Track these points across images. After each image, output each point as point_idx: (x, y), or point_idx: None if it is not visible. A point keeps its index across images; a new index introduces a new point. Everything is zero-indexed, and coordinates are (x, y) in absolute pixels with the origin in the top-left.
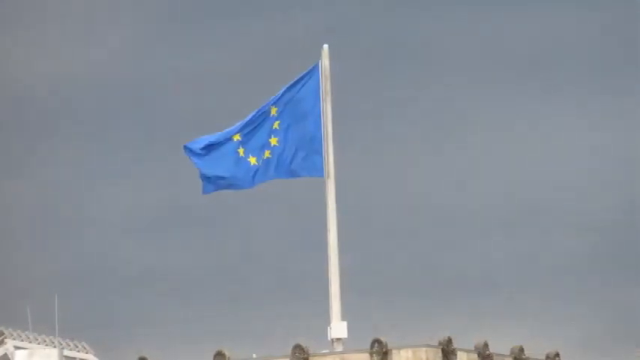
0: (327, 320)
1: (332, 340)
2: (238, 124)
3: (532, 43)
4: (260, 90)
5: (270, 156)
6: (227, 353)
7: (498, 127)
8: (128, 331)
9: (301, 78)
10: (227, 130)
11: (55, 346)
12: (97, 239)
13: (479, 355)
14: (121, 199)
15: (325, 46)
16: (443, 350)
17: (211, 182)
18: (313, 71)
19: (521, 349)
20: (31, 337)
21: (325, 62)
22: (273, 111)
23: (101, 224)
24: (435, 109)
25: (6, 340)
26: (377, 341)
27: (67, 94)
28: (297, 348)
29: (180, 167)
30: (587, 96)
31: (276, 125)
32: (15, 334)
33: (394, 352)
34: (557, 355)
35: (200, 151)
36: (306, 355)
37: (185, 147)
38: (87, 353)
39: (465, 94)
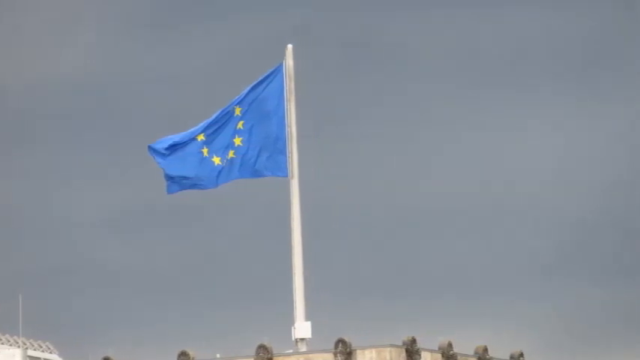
0: (291, 320)
1: (296, 340)
2: (202, 123)
3: (503, 43)
4: (226, 90)
5: (234, 156)
6: (191, 353)
7: (467, 128)
8: (93, 331)
9: (265, 78)
10: (191, 129)
11: (19, 346)
12: (62, 239)
13: (443, 355)
14: (89, 200)
15: (289, 46)
16: (407, 350)
17: (175, 182)
18: (277, 71)
19: (485, 349)
20: None
21: (289, 62)
22: (237, 111)
23: (67, 225)
24: (402, 109)
25: None
26: (341, 341)
27: (41, 95)
28: (261, 348)
29: (152, 167)
30: (558, 97)
31: (240, 125)
32: None
33: (358, 352)
34: (522, 355)
35: (164, 151)
36: (270, 355)
37: (149, 147)
38: (51, 353)
39: (433, 94)
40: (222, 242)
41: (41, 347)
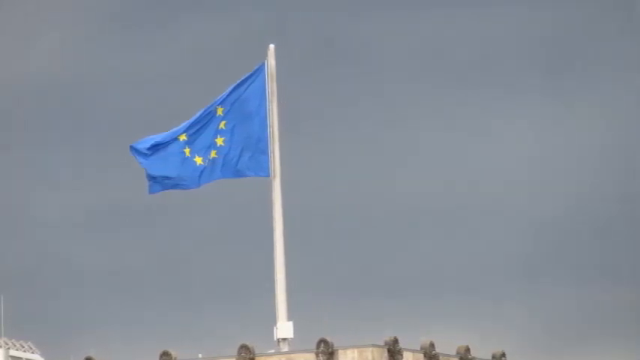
0: (273, 320)
1: (278, 340)
2: (184, 123)
3: (472, 43)
4: (206, 90)
5: (216, 156)
6: (173, 353)
7: (444, 128)
8: (74, 331)
9: (247, 78)
10: (173, 129)
11: (0, 346)
12: (41, 239)
13: (425, 355)
14: (64, 200)
15: (271, 46)
16: (389, 350)
17: (157, 182)
18: (259, 71)
19: (467, 349)
20: None
21: (271, 62)
22: (220, 111)
23: (45, 224)
24: (379, 109)
25: None
26: (323, 341)
27: (12, 95)
28: (243, 348)
29: (124, 167)
30: (534, 97)
31: (222, 125)
32: None
33: (340, 352)
34: (504, 355)
35: (146, 151)
36: (252, 355)
37: (131, 147)
38: (33, 353)
39: (409, 94)
40: (204, 242)
41: (23, 347)
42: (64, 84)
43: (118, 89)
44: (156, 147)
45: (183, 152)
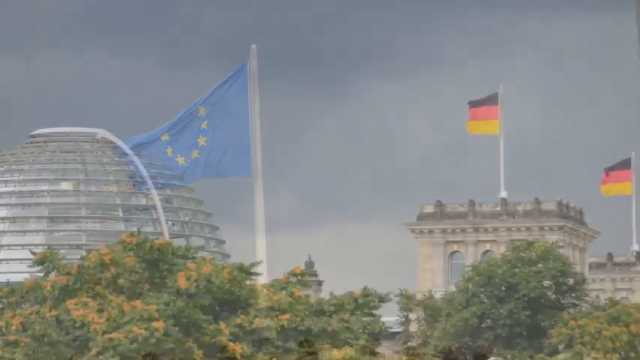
0: None
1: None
2: (167, 123)
3: (452, 46)
4: (190, 89)
5: (198, 156)
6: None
7: (424, 131)
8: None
9: (229, 78)
10: (156, 129)
11: None
12: None
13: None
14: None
15: (253, 47)
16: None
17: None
18: (241, 71)
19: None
20: None
21: (253, 62)
22: (202, 111)
23: None
24: (362, 112)
25: None
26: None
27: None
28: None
29: None
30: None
31: (204, 125)
32: None
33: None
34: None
35: (130, 151)
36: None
37: (117, 146)
38: None
39: (392, 99)
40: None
41: None
42: (64, 84)
43: (107, 89)
44: (139, 147)
45: (166, 152)
